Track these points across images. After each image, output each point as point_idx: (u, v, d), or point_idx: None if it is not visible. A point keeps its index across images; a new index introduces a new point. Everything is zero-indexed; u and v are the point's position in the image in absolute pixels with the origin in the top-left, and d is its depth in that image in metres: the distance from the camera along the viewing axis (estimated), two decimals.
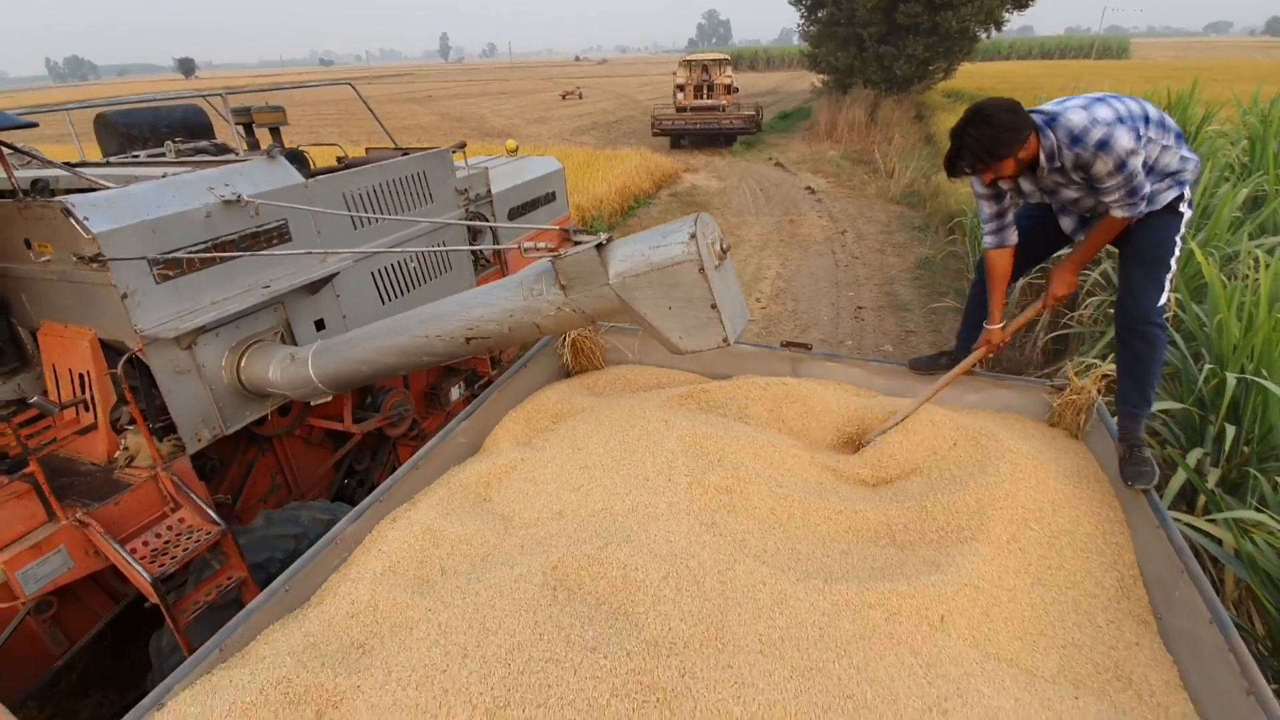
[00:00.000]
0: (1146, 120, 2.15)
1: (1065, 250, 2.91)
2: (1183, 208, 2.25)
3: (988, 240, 2.46)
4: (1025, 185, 2.34)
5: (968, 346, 2.79)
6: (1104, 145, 2.05)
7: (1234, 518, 2.61)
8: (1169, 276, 2.26)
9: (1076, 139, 2.07)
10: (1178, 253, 2.26)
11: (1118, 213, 2.20)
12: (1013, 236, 2.44)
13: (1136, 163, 2.09)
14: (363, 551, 1.98)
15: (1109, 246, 2.49)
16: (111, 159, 3.80)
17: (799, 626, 1.61)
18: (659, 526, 1.82)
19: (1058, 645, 1.81)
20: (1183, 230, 2.26)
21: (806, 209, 11.87)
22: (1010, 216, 2.43)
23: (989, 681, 1.63)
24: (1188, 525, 2.80)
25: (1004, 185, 2.35)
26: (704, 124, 17.90)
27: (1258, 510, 2.65)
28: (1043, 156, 2.15)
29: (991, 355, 2.62)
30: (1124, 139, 2.05)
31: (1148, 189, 2.17)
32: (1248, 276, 3.96)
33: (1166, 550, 1.89)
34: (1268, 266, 3.67)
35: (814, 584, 1.74)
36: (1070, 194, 2.29)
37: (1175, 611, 1.82)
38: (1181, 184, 2.22)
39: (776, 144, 19.31)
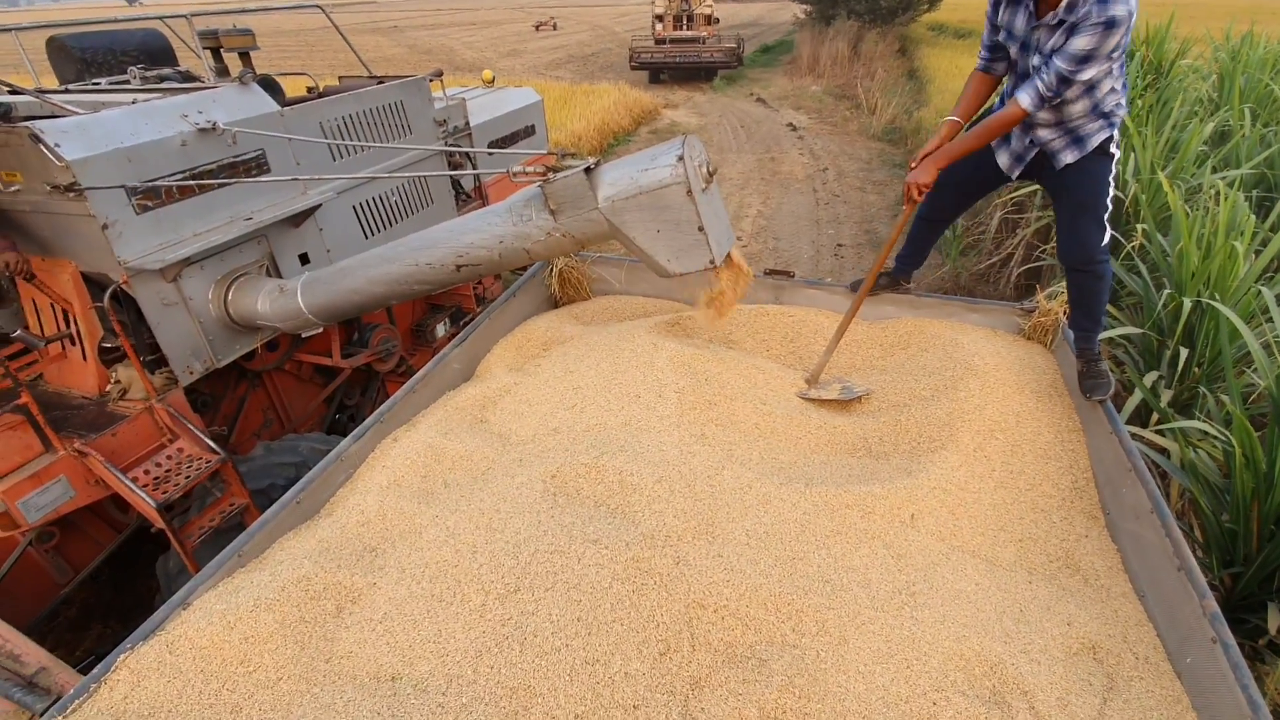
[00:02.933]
0: (1121, 48, 2.09)
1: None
2: (1112, 148, 2.31)
3: (979, 64, 2.45)
4: (1019, 23, 2.23)
5: (905, 269, 2.90)
6: (1111, 25, 1.95)
7: (1180, 428, 2.81)
8: (1107, 216, 2.33)
9: (1105, 1, 1.95)
10: (1112, 192, 2.33)
11: (1024, 98, 2.14)
12: (999, 69, 2.41)
13: (1094, 70, 2.03)
14: (367, 468, 2.07)
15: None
16: (71, 86, 3.64)
17: (782, 523, 1.75)
18: (651, 438, 1.93)
19: (1015, 539, 1.98)
20: (1114, 170, 2.32)
21: (788, 146, 11.74)
22: (1002, 54, 2.38)
23: (953, 569, 1.79)
24: (1139, 439, 3.01)
25: (1002, 15, 2.29)
26: (684, 57, 17.34)
27: (1204, 422, 2.85)
28: (1065, 1, 2.04)
29: (920, 194, 2.40)
30: (1119, 32, 1.98)
31: (1064, 94, 2.12)
32: (1209, 209, 4.10)
33: (1117, 453, 2.05)
34: (1227, 198, 3.80)
35: (796, 487, 1.87)
36: (1034, 64, 2.22)
37: (1122, 506, 2.00)
38: (1112, 125, 2.27)
39: (758, 79, 18.85)
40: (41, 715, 1.80)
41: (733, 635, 1.45)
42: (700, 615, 1.46)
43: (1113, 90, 2.22)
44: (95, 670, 1.42)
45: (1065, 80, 2.09)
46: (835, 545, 1.73)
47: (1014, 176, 2.54)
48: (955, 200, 2.80)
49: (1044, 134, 2.35)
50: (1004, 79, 2.50)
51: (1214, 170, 4.94)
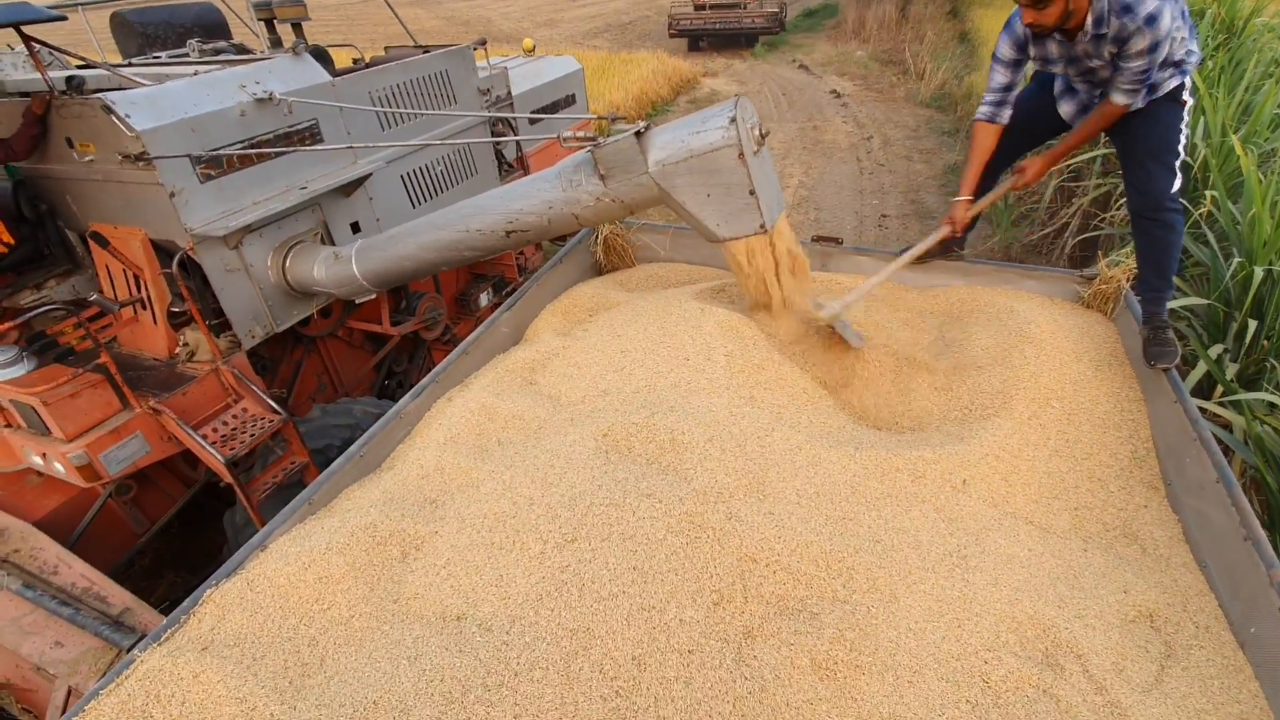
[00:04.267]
0: (1180, 8, 2.12)
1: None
2: (1185, 96, 2.25)
3: (982, 111, 2.44)
4: (1053, 50, 2.28)
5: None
6: (1152, 21, 2.01)
7: (1246, 400, 2.71)
8: (1179, 163, 2.26)
9: (1128, 8, 2.02)
10: (1184, 140, 2.27)
11: (1119, 98, 2.19)
12: (1006, 115, 2.42)
13: (1164, 51, 2.08)
14: (425, 425, 2.14)
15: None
16: (134, 60, 3.77)
17: (832, 485, 1.76)
18: (701, 399, 1.95)
19: (1071, 507, 1.95)
20: (1186, 119, 2.27)
21: (831, 114, 11.42)
22: (1013, 95, 2.40)
23: (1005, 535, 1.78)
24: (1202, 411, 2.90)
25: (1033, 51, 2.30)
26: (724, 23, 16.89)
27: (1273, 394, 2.74)
28: (1090, 19, 2.08)
29: (955, 235, 2.55)
30: (1167, 21, 2.02)
31: (1152, 78, 2.17)
32: None
33: (1181, 423, 1.99)
34: None
35: (846, 450, 1.87)
36: (1091, 65, 2.24)
37: (1185, 477, 1.94)
38: (1183, 73, 2.21)
39: (801, 44, 18.30)
40: (128, 651, 1.94)
41: (784, 589, 1.48)
42: (752, 569, 1.49)
43: (1179, 39, 2.16)
44: (184, 603, 1.53)
45: (1146, 71, 2.11)
46: (886, 507, 1.74)
47: (1074, 126, 2.48)
48: (1009, 149, 2.70)
49: None
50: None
51: None
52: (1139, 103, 2.24)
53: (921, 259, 2.83)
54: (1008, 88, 2.39)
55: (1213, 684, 1.50)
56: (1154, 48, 2.06)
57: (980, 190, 2.61)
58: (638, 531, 1.51)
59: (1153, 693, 1.46)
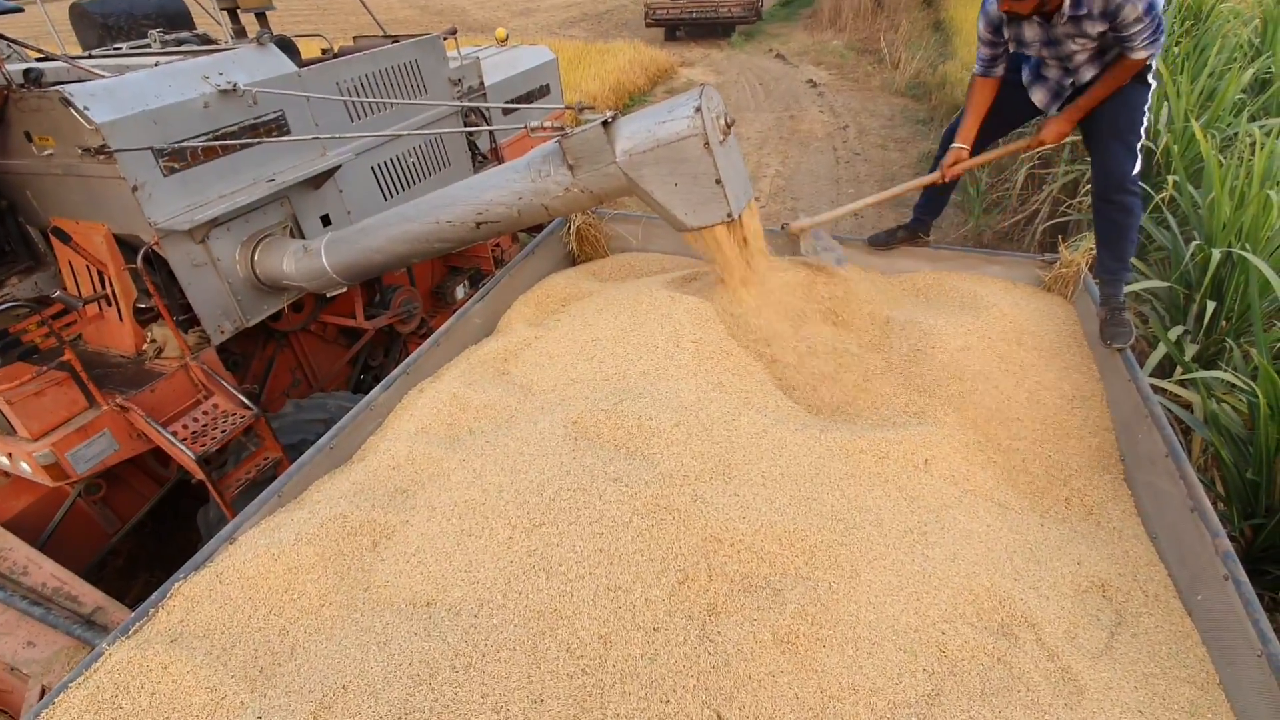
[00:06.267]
0: None
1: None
2: (1150, 79, 2.30)
3: (977, 68, 2.51)
4: (1029, 33, 2.30)
5: (923, 220, 2.89)
6: None
7: (1204, 378, 2.79)
8: (1140, 145, 2.32)
9: None
10: (1146, 122, 2.33)
11: (1140, 54, 2.18)
12: (1000, 70, 2.49)
13: (1160, 6, 2.11)
14: (395, 417, 2.15)
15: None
16: (95, 52, 3.69)
17: (797, 466, 1.80)
18: (669, 385, 1.97)
19: (1029, 484, 2.01)
20: (1149, 101, 2.33)
21: (808, 104, 11.47)
22: (1003, 56, 2.46)
23: (965, 512, 1.83)
24: (1161, 390, 2.99)
25: (1007, 33, 2.34)
26: (700, 12, 16.85)
27: (1228, 372, 2.82)
28: (1067, 1, 2.10)
29: (951, 179, 2.60)
30: None
31: (1162, 35, 2.19)
32: (1244, 158, 3.97)
33: (1135, 401, 2.06)
34: (1263, 146, 3.68)
35: (811, 433, 1.91)
36: (1073, 47, 2.27)
37: (1137, 453, 2.01)
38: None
39: (777, 34, 18.32)
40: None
41: (748, 567, 1.52)
42: (717, 549, 1.53)
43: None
44: (153, 596, 1.53)
45: (1154, 27, 2.12)
46: (849, 487, 1.78)
47: (1050, 112, 2.52)
48: (982, 134, 2.71)
49: (1087, 74, 2.34)
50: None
51: (1252, 119, 4.76)
52: (1159, 49, 2.27)
53: (887, 245, 2.88)
54: (994, 55, 2.45)
55: (1161, 649, 1.57)
56: (1149, 9, 2.08)
57: (977, 145, 2.61)
58: (604, 515, 1.54)
59: (1102, 659, 1.52)
